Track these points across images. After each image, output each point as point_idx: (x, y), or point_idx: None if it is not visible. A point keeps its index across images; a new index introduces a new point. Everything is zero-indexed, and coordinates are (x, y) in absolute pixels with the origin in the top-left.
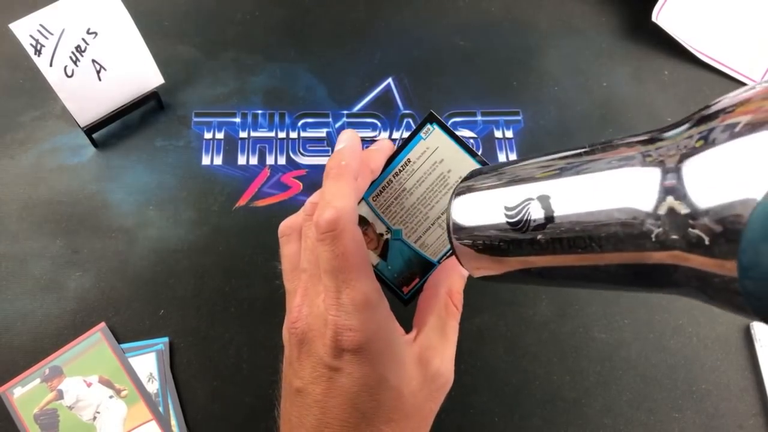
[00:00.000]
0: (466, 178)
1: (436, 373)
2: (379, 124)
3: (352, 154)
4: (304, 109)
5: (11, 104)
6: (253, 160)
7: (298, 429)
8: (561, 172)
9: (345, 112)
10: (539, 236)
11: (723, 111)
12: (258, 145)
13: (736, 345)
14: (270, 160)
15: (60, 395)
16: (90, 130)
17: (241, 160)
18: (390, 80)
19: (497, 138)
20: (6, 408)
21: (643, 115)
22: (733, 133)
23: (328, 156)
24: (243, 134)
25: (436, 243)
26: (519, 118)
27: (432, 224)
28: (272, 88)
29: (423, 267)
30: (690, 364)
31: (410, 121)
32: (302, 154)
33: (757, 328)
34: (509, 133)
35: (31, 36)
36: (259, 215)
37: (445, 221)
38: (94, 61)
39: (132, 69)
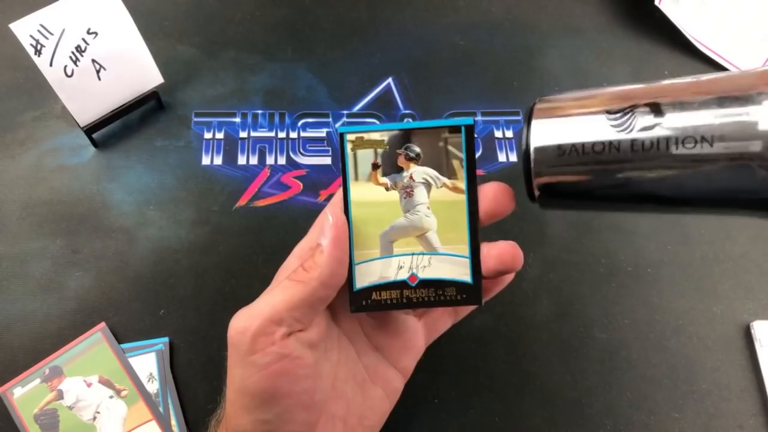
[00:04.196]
0: (535, 104)
1: None
2: (379, 123)
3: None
4: (304, 109)
5: (11, 104)
6: (253, 160)
7: None
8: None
9: (345, 112)
10: (645, 137)
11: None
12: (258, 145)
13: (736, 345)
14: (270, 160)
15: (60, 395)
16: (90, 130)
17: (241, 160)
18: (390, 80)
19: (497, 138)
20: (6, 408)
21: None
22: None
23: (329, 156)
24: (243, 134)
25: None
26: (519, 118)
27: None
28: (272, 88)
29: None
30: (690, 364)
31: (410, 120)
32: (302, 154)
33: (757, 327)
34: (509, 133)
35: (31, 36)
36: (259, 215)
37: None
38: (94, 61)
39: (132, 69)
